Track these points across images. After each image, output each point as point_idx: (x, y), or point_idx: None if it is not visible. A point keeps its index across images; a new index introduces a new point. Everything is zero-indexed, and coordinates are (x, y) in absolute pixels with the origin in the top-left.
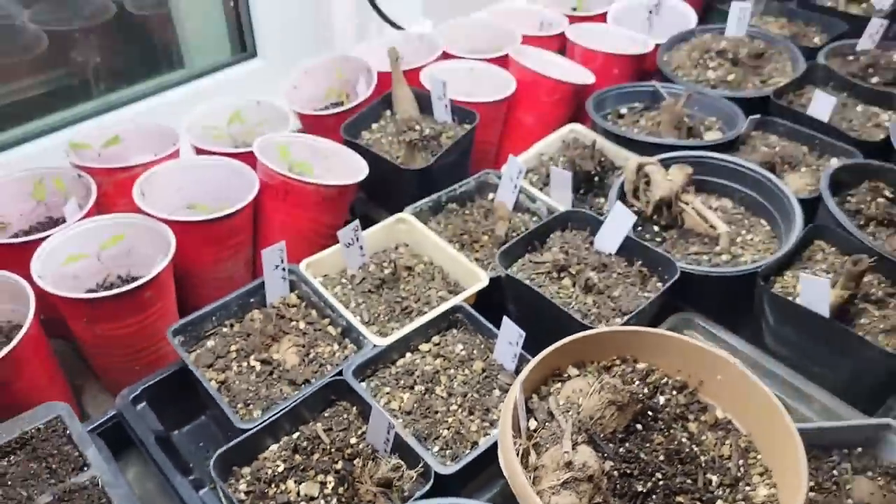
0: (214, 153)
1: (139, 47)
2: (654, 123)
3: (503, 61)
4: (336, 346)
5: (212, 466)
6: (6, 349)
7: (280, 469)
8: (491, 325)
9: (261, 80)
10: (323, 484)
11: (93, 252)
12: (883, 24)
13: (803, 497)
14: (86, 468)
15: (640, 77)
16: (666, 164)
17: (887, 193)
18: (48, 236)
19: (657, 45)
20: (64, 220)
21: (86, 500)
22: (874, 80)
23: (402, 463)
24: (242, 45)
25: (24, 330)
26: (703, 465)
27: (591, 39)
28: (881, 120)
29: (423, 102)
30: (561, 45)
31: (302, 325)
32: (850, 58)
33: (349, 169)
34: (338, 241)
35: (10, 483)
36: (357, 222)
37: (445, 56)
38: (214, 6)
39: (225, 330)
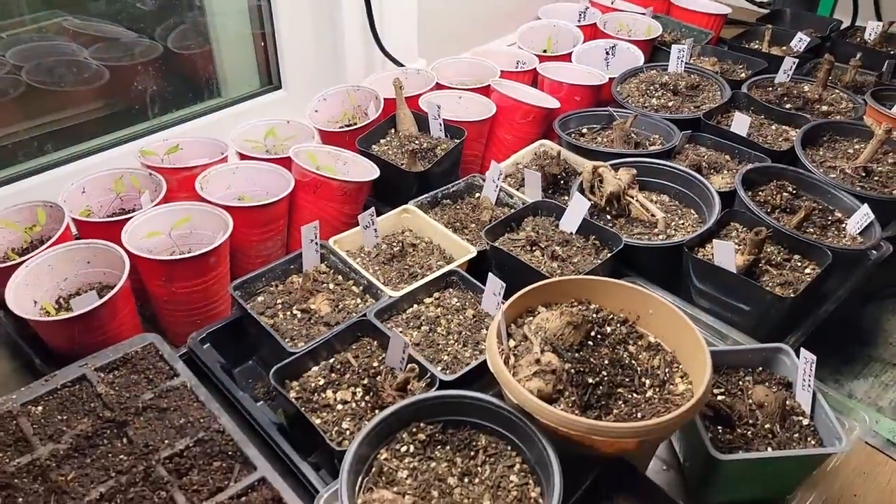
0: (257, 158)
1: (183, 80)
2: (608, 140)
3: (485, 91)
4: (359, 300)
5: (271, 377)
6: (112, 292)
7: (321, 383)
8: (479, 284)
9: (284, 108)
10: (354, 393)
11: (165, 231)
12: (795, 62)
13: (705, 385)
14: (176, 377)
15: (598, 104)
16: (616, 167)
17: (790, 189)
18: (132, 217)
19: (611, 79)
20: (134, 211)
21: (178, 396)
22: (787, 106)
23: (416, 366)
24: (269, 78)
25: (122, 280)
26: (639, 372)
27: (557, 74)
28: (790, 136)
29: (422, 122)
30: (532, 79)
31: (331, 286)
32: (769, 89)
33: (364, 171)
34: (354, 228)
35: (117, 389)
36: (373, 209)
37: (438, 87)
38: (246, 46)
39: (271, 289)
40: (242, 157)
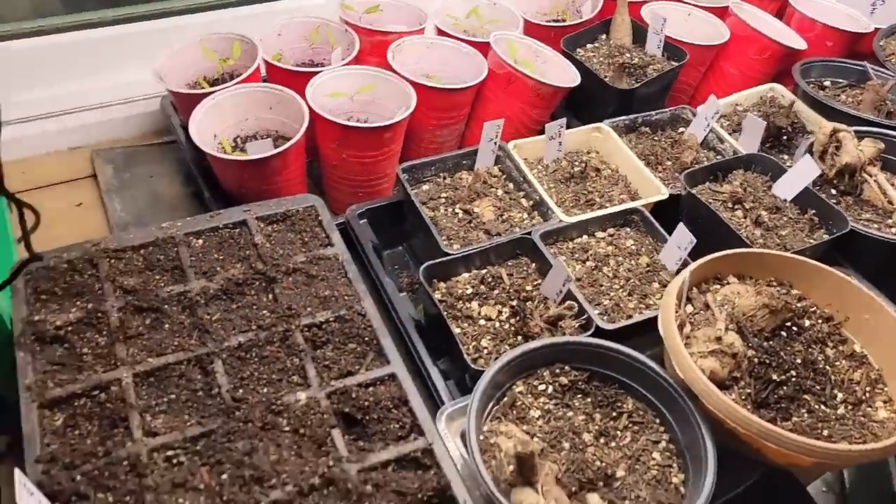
0: (454, 37)
1: None
2: (855, 101)
3: (721, 12)
4: (526, 215)
5: (420, 273)
6: (287, 144)
7: (468, 291)
8: (663, 231)
9: None
10: (500, 312)
11: (349, 93)
12: None
13: None
14: (330, 247)
15: (852, 56)
16: (860, 136)
17: None
18: (321, 72)
19: (877, 29)
20: (322, 65)
21: (329, 267)
22: None
23: (575, 305)
24: None
25: (298, 134)
26: (833, 381)
27: (811, 9)
28: None
29: (639, 34)
30: (779, 10)
31: (500, 192)
32: None
33: (563, 75)
34: (537, 136)
35: (273, 243)
36: (564, 120)
37: None
38: None
39: (438, 180)
40: (440, 32)
